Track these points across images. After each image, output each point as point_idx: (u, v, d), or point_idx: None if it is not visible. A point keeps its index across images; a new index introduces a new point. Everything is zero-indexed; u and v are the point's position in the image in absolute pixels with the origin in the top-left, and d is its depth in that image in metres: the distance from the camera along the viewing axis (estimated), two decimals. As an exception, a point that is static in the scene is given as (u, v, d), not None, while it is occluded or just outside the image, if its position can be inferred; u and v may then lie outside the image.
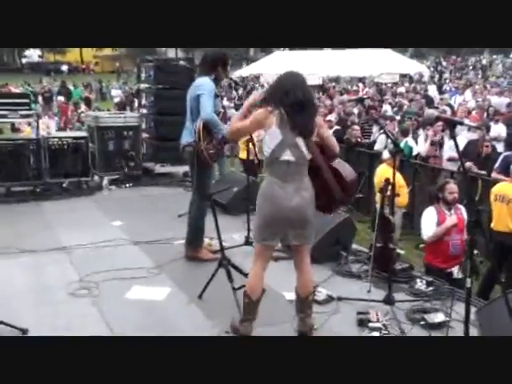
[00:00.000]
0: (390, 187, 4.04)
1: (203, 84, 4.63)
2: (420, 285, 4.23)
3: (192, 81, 8.07)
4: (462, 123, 2.69)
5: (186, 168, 8.41)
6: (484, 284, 6.30)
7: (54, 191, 7.23)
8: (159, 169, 8.21)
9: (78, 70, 52.87)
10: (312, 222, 3.41)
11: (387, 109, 14.92)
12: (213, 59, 4.74)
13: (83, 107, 21.01)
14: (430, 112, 2.84)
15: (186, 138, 4.76)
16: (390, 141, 9.24)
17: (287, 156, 3.29)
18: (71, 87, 28.97)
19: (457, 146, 2.58)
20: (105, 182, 7.45)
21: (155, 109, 8.04)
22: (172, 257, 5.01)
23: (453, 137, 2.54)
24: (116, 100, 25.56)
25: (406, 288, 4.30)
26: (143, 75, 8.40)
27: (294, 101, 3.24)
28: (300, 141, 3.30)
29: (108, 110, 19.97)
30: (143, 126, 8.23)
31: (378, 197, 7.89)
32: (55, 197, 7.12)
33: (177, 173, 8.40)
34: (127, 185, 7.74)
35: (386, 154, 8.05)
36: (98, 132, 7.74)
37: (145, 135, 8.30)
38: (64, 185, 7.36)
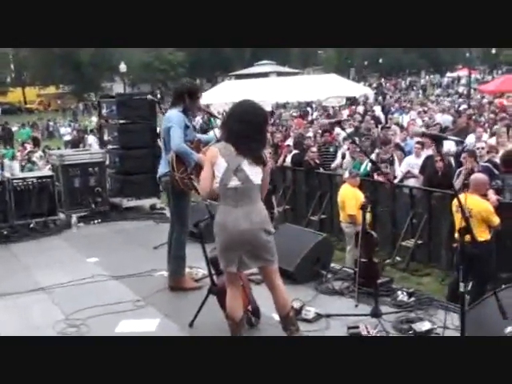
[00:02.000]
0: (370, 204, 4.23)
1: (171, 116, 4.76)
2: (402, 296, 4.41)
3: (154, 114, 8.31)
4: (446, 138, 2.90)
5: (153, 201, 8.50)
6: (451, 293, 6.59)
7: (21, 233, 7.08)
8: (126, 203, 8.18)
9: (21, 109, 51.79)
10: (268, 244, 3.52)
11: (339, 131, 15.36)
12: (179, 91, 4.89)
13: (29, 147, 20.65)
14: (416, 129, 3.04)
15: (162, 168, 4.85)
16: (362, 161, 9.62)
17: (234, 182, 3.46)
18: (15, 128, 28.40)
19: (442, 157, 2.79)
20: (73, 219, 7.36)
21: (119, 143, 8.07)
22: (155, 288, 5.03)
23: (439, 151, 2.74)
24: (66, 138, 25.25)
25: (388, 301, 4.47)
26: (104, 111, 8.42)
27: (231, 130, 3.51)
28: (245, 165, 3.47)
29: (59, 149, 19.72)
30: (107, 161, 8.22)
31: (341, 215, 8.21)
32: (24, 238, 6.97)
33: (144, 206, 8.41)
34: (96, 221, 7.66)
35: (346, 174, 8.33)
36: (63, 170, 7.68)
37: (110, 170, 8.29)
38: (31, 225, 7.22)
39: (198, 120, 20.98)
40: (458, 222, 6.50)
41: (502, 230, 6.69)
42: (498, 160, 8.36)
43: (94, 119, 31.77)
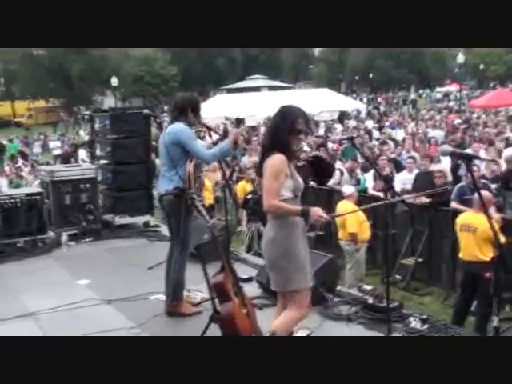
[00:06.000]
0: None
1: (180, 130, 4.50)
2: (415, 323, 4.16)
3: (149, 128, 8.07)
4: (477, 157, 2.68)
5: (147, 218, 8.22)
6: (457, 314, 6.37)
7: (8, 252, 6.76)
8: (119, 220, 7.89)
9: (10, 123, 51.27)
10: (277, 267, 3.32)
11: (333, 146, 15.21)
12: (182, 105, 4.65)
13: (20, 161, 20.32)
14: (444, 147, 2.84)
15: (164, 186, 4.57)
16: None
17: None
18: (4, 142, 27.91)
19: (473, 178, 2.59)
20: (64, 238, 7.07)
21: (112, 159, 7.81)
22: (151, 313, 4.73)
23: (469, 170, 2.53)
24: (55, 152, 24.89)
25: (400, 327, 4.22)
26: (97, 125, 8.16)
27: None
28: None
29: (47, 163, 19.38)
30: (99, 177, 7.95)
31: (340, 233, 8.01)
32: (10, 258, 6.65)
33: (137, 223, 8.12)
34: (87, 239, 7.38)
35: (347, 190, 8.13)
36: (54, 186, 7.40)
37: (101, 186, 8.02)
38: (19, 244, 6.92)
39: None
40: (464, 241, 6.31)
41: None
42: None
43: (82, 133, 31.44)
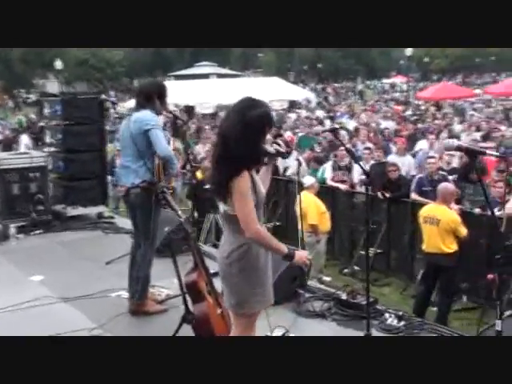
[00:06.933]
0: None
1: (146, 118, 4.20)
2: (391, 320, 4.07)
3: (103, 115, 7.66)
4: (484, 153, 2.56)
5: (100, 209, 7.83)
6: (418, 304, 6.39)
7: (-50, 246, 6.29)
8: (71, 211, 7.47)
9: None
10: (229, 282, 2.87)
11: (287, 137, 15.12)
12: (148, 91, 4.35)
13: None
14: (450, 142, 2.70)
15: (130, 178, 4.26)
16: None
17: (221, 206, 2.87)
18: None
19: (477, 172, 2.47)
20: (12, 230, 6.62)
21: (64, 146, 7.37)
22: (113, 312, 4.44)
23: (474, 165, 2.41)
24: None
25: (376, 324, 4.12)
26: (46, 110, 7.67)
27: None
28: None
29: (-13, 149, 18.34)
30: (50, 165, 7.48)
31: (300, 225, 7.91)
32: (-47, 252, 6.18)
33: (90, 214, 7.72)
34: (37, 232, 6.94)
35: (307, 181, 8.04)
36: None
37: (52, 175, 7.57)
38: (-38, 237, 6.44)
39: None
40: (427, 233, 6.31)
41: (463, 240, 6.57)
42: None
43: (22, 117, 29.95)
